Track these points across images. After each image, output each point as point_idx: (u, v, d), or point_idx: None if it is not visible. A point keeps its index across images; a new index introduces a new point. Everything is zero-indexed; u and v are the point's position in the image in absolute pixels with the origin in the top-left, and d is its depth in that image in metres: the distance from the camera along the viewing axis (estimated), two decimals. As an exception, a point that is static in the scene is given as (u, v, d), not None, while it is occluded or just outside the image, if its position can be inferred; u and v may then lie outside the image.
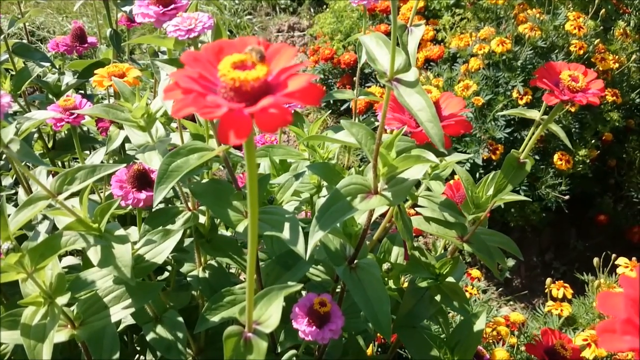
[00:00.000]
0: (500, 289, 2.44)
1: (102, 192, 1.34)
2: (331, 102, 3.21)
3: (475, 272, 2.01)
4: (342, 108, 3.22)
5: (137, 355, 1.32)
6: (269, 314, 0.69)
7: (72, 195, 0.90)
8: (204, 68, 0.49)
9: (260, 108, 0.44)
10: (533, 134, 0.94)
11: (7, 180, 1.53)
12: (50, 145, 1.53)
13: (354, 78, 1.30)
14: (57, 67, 1.75)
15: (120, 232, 0.88)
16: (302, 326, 0.90)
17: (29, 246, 0.84)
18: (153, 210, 1.09)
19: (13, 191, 1.51)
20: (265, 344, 0.65)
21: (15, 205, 1.33)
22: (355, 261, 0.95)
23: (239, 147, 1.10)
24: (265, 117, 0.44)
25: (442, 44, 2.89)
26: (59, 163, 1.56)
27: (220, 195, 0.93)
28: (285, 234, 0.84)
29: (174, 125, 1.14)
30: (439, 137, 0.68)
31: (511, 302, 2.39)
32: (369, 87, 2.88)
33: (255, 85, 0.46)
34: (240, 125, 0.44)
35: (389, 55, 0.73)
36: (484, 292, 2.21)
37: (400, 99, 0.71)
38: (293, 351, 1.00)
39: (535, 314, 1.97)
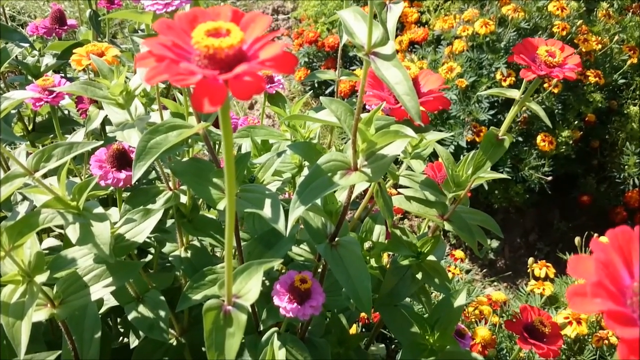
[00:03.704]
0: (485, 270, 2.46)
1: (83, 175, 1.33)
2: (315, 85, 3.20)
3: (459, 253, 2.02)
4: (326, 92, 3.21)
5: (121, 338, 1.31)
6: (249, 288, 0.68)
7: (51, 173, 0.90)
8: (177, 36, 0.49)
9: (234, 75, 0.44)
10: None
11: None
12: (30, 127, 1.51)
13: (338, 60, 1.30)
14: (37, 49, 1.73)
15: (99, 210, 0.88)
16: (283, 303, 0.91)
17: (7, 225, 0.84)
18: (134, 189, 1.09)
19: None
20: (245, 317, 0.65)
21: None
22: (337, 239, 0.95)
23: (218, 126, 1.10)
24: (239, 85, 0.44)
25: (426, 26, 2.88)
26: (40, 146, 1.55)
27: (201, 173, 0.93)
28: (266, 211, 0.84)
29: (155, 107, 1.13)
30: (415, 110, 0.68)
31: (495, 283, 2.41)
32: (353, 69, 2.87)
33: (230, 52, 0.46)
34: (215, 92, 0.44)
35: (367, 28, 0.73)
36: (467, 272, 2.23)
37: (377, 72, 0.70)
38: (275, 329, 1.00)
39: (519, 293, 1.99)
